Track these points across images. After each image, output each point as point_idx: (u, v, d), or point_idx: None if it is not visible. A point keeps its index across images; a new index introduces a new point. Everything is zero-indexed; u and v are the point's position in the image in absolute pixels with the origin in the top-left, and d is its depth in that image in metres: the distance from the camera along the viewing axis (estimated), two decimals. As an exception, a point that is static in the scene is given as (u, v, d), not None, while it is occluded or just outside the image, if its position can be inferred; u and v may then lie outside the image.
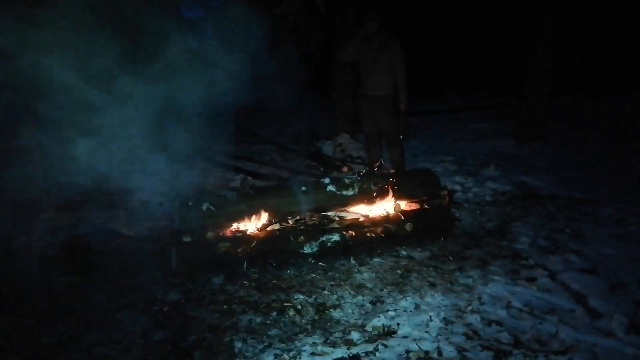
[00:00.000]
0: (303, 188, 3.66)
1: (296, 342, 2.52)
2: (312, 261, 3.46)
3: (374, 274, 3.30)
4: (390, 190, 3.90)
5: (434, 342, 2.49)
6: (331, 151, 6.52)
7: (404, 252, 3.62)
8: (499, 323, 2.67)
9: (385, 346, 2.47)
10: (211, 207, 3.44)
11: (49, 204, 4.36)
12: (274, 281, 3.20)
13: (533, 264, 3.39)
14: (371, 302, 2.93)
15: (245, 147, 6.78)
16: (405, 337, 2.56)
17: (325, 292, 3.05)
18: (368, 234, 3.70)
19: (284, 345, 2.48)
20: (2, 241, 3.70)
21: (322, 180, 3.93)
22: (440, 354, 2.39)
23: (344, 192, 3.79)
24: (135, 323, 2.68)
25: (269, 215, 3.56)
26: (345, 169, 5.50)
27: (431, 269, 3.36)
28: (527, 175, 5.54)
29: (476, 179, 5.30)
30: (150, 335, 2.58)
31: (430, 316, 2.73)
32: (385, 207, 3.89)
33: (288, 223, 3.62)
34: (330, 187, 3.75)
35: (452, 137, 7.37)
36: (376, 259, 3.51)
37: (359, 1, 6.90)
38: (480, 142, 7.03)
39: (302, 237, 3.53)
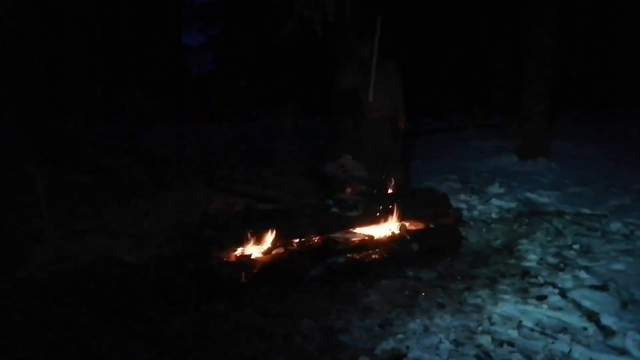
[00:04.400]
0: (306, 211, 3.64)
1: (305, 367, 2.46)
2: (318, 284, 3.41)
3: (381, 296, 3.24)
4: (396, 211, 3.88)
5: (444, 365, 2.43)
6: (334, 172, 6.51)
7: (410, 273, 3.57)
8: (510, 343, 2.61)
9: (395, 371, 2.41)
10: (214, 232, 3.41)
11: (53, 232, 4.36)
12: (279, 306, 3.15)
13: (542, 282, 3.34)
14: (379, 325, 2.87)
15: (246, 171, 6.78)
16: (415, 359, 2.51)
17: (332, 316, 3.00)
18: (374, 256, 3.67)
19: (292, 372, 2.43)
20: (4, 271, 3.68)
21: (326, 201, 3.91)
22: (452, 377, 2.34)
23: (349, 214, 3.76)
24: (141, 353, 2.63)
25: (274, 238, 3.53)
26: (349, 190, 5.47)
27: (439, 289, 3.31)
28: (532, 192, 5.51)
29: (481, 197, 5.27)
30: (156, 365, 2.53)
31: (440, 338, 2.67)
32: (390, 227, 3.86)
33: (293, 246, 3.59)
34: (335, 209, 3.72)
35: (454, 155, 7.36)
36: (383, 281, 3.45)
37: (356, 25, 6.99)
38: (483, 160, 7.02)
39: (307, 261, 3.50)
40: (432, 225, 3.93)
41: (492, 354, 2.51)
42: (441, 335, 2.69)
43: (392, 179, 5.24)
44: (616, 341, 2.61)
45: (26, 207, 4.98)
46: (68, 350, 2.64)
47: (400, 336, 2.73)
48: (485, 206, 5.01)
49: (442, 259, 3.74)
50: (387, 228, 3.86)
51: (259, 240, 3.49)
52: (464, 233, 4.19)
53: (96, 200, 5.42)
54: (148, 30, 12.73)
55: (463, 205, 4.98)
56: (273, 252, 3.51)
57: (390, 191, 4.38)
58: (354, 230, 3.79)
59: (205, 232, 3.43)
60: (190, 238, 3.45)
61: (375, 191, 4.44)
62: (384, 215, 3.87)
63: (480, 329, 2.76)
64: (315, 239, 3.65)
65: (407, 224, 3.88)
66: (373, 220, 3.83)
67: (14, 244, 4.19)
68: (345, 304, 3.16)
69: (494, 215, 4.80)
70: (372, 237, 3.77)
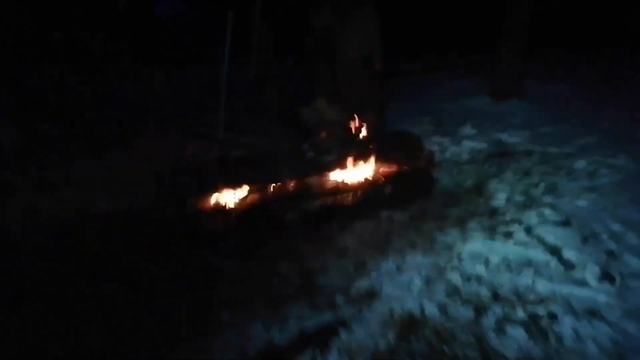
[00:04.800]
0: (282, 157, 3.65)
1: (282, 309, 2.57)
2: (294, 229, 3.48)
3: (356, 238, 3.35)
4: (370, 154, 3.92)
5: (416, 301, 2.57)
6: (308, 117, 6.47)
7: (384, 215, 3.67)
8: (478, 279, 2.76)
9: (369, 308, 2.54)
10: (189, 179, 3.41)
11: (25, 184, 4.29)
12: (258, 251, 3.22)
13: (509, 220, 3.48)
14: (354, 266, 2.99)
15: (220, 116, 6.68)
16: (387, 297, 2.64)
17: (309, 259, 3.10)
18: (348, 199, 3.74)
19: (271, 312, 2.53)
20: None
21: (302, 146, 3.92)
22: (422, 312, 2.47)
23: (324, 158, 3.79)
24: (125, 303, 2.68)
25: (249, 185, 3.55)
26: (323, 134, 5.47)
27: (411, 230, 3.43)
28: (503, 132, 5.61)
29: (453, 139, 5.35)
30: (140, 312, 2.60)
31: (412, 276, 2.80)
32: (365, 171, 3.92)
33: (268, 191, 3.63)
34: (310, 153, 3.74)
35: (429, 96, 7.37)
36: (358, 223, 3.55)
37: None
38: (457, 101, 7.06)
39: (283, 206, 3.56)
40: (405, 168, 4.00)
41: (461, 289, 2.66)
42: (413, 273, 2.82)
43: (367, 122, 5.26)
44: (577, 273, 2.78)
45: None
46: (53, 304, 2.68)
47: (373, 275, 2.85)
48: (457, 147, 5.10)
49: (414, 201, 3.84)
50: (361, 172, 3.91)
51: (234, 187, 3.51)
52: (436, 175, 4.29)
53: (67, 151, 5.30)
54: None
55: (436, 147, 5.06)
56: (248, 198, 3.54)
57: (364, 134, 4.39)
58: (329, 175, 3.84)
59: (181, 179, 3.42)
60: (165, 186, 3.44)
61: (349, 135, 4.45)
62: (359, 159, 3.91)
63: (449, 265, 2.90)
64: (291, 184, 3.68)
65: (381, 167, 3.94)
66: (348, 164, 3.86)
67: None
68: (322, 246, 3.25)
69: (465, 157, 4.91)
70: (347, 181, 3.83)
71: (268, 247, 3.27)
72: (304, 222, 3.52)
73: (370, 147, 3.96)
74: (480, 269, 2.85)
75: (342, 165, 3.87)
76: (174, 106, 7.47)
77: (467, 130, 5.59)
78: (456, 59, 10.19)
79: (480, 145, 5.16)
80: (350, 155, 3.90)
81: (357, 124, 5.07)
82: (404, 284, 2.75)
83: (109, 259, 3.16)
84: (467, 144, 5.15)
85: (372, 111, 5.09)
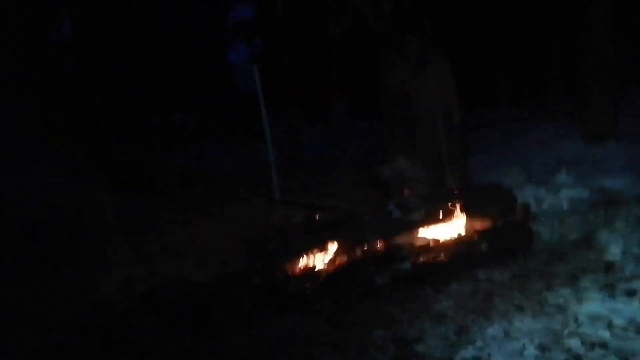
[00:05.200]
0: (366, 218, 3.57)
1: (383, 380, 2.38)
2: (385, 292, 3.32)
3: (453, 301, 3.11)
4: (460, 210, 3.74)
5: (532, 372, 2.28)
6: (389, 176, 6.39)
7: (482, 275, 3.40)
8: (603, 345, 2.41)
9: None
10: (277, 245, 3.41)
11: (124, 256, 4.53)
12: (348, 317, 3.08)
13: (629, 276, 3.08)
14: (455, 333, 2.74)
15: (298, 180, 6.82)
16: (498, 368, 2.36)
17: (404, 325, 2.90)
18: (441, 259, 3.54)
19: (370, 385, 2.35)
20: (82, 295, 3.85)
21: (387, 206, 3.83)
22: (542, 385, 2.18)
23: (411, 217, 3.66)
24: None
25: (337, 247, 3.48)
26: (407, 192, 5.34)
27: (515, 290, 3.13)
28: (604, 178, 5.15)
29: (549, 188, 4.98)
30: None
31: (524, 343, 2.51)
32: (456, 228, 3.72)
33: (356, 254, 3.53)
34: (397, 212, 3.63)
35: (514, 147, 7.04)
36: (453, 285, 3.31)
37: (402, 23, 6.86)
38: (546, 147, 6.67)
39: (372, 268, 3.43)
40: (500, 223, 3.74)
41: (584, 358, 2.32)
42: (524, 340, 2.53)
43: (452, 177, 5.08)
44: None
45: (94, 232, 5.23)
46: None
47: (479, 343, 2.59)
48: (555, 198, 4.72)
49: (514, 258, 3.55)
50: (452, 229, 3.72)
51: (322, 251, 3.45)
52: (535, 229, 3.96)
53: (160, 222, 5.60)
54: (195, 52, 13.12)
55: (530, 199, 4.71)
56: (337, 261, 3.46)
57: (451, 190, 4.21)
58: (418, 234, 3.67)
59: (268, 245, 3.43)
60: (253, 253, 3.46)
61: (434, 191, 4.29)
62: (448, 216, 3.73)
63: (566, 331, 2.57)
64: (379, 246, 3.56)
65: (473, 223, 3.72)
66: (437, 221, 3.70)
67: (86, 269, 4.39)
68: (416, 311, 3.04)
69: (565, 207, 4.52)
70: (438, 239, 3.64)
71: (358, 312, 3.12)
72: (395, 285, 3.36)
73: (460, 202, 3.76)
74: (603, 334, 2.50)
75: (431, 223, 3.70)
76: (256, 176, 7.78)
77: (563, 177, 5.19)
78: (536, 106, 9.80)
79: (580, 194, 4.74)
80: (438, 212, 3.73)
81: (440, 180, 4.93)
82: (515, 352, 2.46)
83: (201, 325, 3.17)
84: (566, 193, 4.76)
85: (455, 165, 4.92)
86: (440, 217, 3.73)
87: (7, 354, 2.92)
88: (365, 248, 3.54)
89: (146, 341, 3.03)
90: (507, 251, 3.59)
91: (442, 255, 3.55)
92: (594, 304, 2.80)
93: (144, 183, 6.80)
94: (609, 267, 3.26)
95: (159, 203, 6.29)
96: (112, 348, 2.97)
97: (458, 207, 3.75)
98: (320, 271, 3.38)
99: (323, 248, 3.47)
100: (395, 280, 3.38)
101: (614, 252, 3.47)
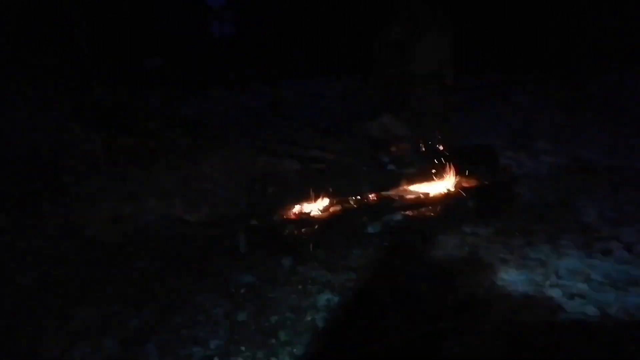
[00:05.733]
0: (364, 168, 3.65)
1: (380, 320, 2.53)
2: (377, 241, 3.45)
3: (441, 251, 3.28)
4: (450, 168, 3.86)
5: (518, 315, 2.47)
6: (375, 132, 6.46)
7: (467, 230, 3.58)
8: (581, 296, 2.63)
9: (468, 321, 2.46)
10: (278, 188, 3.47)
11: (109, 193, 4.50)
12: (343, 262, 3.21)
13: (605, 237, 3.31)
14: (446, 279, 2.91)
15: (286, 133, 6.80)
16: (487, 310, 2.55)
17: (397, 271, 3.05)
18: (430, 213, 3.69)
19: (369, 323, 2.50)
20: (73, 231, 3.83)
21: (381, 159, 3.91)
22: (527, 326, 2.37)
23: (405, 171, 3.76)
24: (216, 305, 2.73)
25: (331, 196, 3.56)
26: (393, 148, 5.44)
27: (499, 245, 3.32)
28: (582, 147, 5.38)
29: (529, 154, 5.18)
30: (233, 316, 2.63)
31: (509, 291, 2.70)
32: (445, 184, 3.85)
33: (350, 204, 3.63)
34: (390, 166, 3.73)
35: (496, 112, 7.20)
36: (441, 237, 3.48)
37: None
38: (526, 116, 6.86)
39: (365, 218, 3.54)
40: (485, 182, 3.90)
41: (565, 306, 2.53)
42: (510, 289, 2.72)
43: (439, 137, 5.20)
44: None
45: (76, 169, 5.14)
46: (146, 302, 2.76)
47: (467, 289, 2.77)
48: (535, 163, 4.93)
49: (497, 216, 3.73)
50: (441, 185, 3.85)
51: (317, 199, 3.53)
52: (516, 190, 4.15)
53: (144, 163, 5.53)
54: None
55: (512, 162, 4.90)
56: (331, 209, 3.56)
57: (439, 149, 4.32)
58: (409, 188, 3.80)
59: (266, 189, 3.47)
60: (251, 196, 3.51)
61: (421, 149, 4.39)
62: (438, 173, 3.85)
63: (547, 282, 2.78)
64: (372, 196, 3.66)
65: (460, 181, 3.86)
66: (427, 177, 3.81)
67: (70, 205, 4.34)
68: (408, 259, 3.20)
69: (544, 172, 4.73)
70: (427, 194, 3.77)
71: (353, 258, 3.25)
72: (386, 234, 3.49)
73: (448, 160, 3.88)
74: (582, 287, 2.72)
75: (422, 179, 3.82)
76: (239, 123, 7.70)
77: (543, 144, 5.40)
78: (519, 75, 9.90)
79: (559, 160, 4.97)
80: (429, 169, 3.85)
81: (427, 139, 5.04)
82: (502, 297, 2.65)
83: (196, 263, 3.24)
84: (545, 159, 4.97)
85: (442, 125, 5.03)
86: (431, 174, 3.84)
87: (3, 293, 2.91)
88: (358, 198, 3.64)
89: (144, 276, 3.08)
90: (491, 209, 3.77)
91: (431, 209, 3.69)
92: (572, 260, 3.02)
93: (125, 124, 6.64)
94: (585, 228, 3.49)
95: (141, 144, 6.20)
96: (109, 283, 3.01)
97: (447, 165, 3.87)
98: (315, 218, 3.47)
99: (318, 196, 3.55)
100: (386, 230, 3.52)
101: (590, 214, 3.70)
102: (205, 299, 2.78)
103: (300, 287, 2.90)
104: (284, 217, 3.47)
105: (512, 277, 2.87)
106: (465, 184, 3.89)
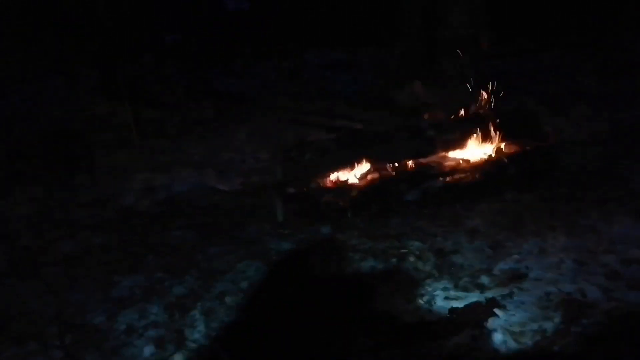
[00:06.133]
0: (401, 134, 3.55)
1: (426, 287, 2.47)
2: (417, 208, 3.37)
3: (484, 219, 3.18)
4: (488, 133, 3.73)
5: (572, 283, 2.38)
6: (404, 100, 6.30)
7: (510, 196, 3.46)
8: (638, 262, 2.51)
9: (521, 289, 2.38)
10: (313, 157, 3.39)
11: (142, 165, 4.49)
12: (382, 229, 3.14)
13: (657, 203, 3.16)
14: (490, 247, 2.82)
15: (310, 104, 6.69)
16: (538, 279, 2.46)
17: (439, 238, 2.97)
18: (470, 179, 3.57)
19: (415, 290, 2.44)
20: (107, 201, 3.84)
21: (419, 125, 3.80)
22: (584, 295, 2.28)
23: (442, 137, 3.65)
24: (258, 272, 2.70)
25: (369, 163, 3.47)
26: (426, 116, 5.30)
27: (545, 212, 3.20)
28: (622, 112, 5.16)
29: (569, 119, 4.98)
30: (276, 283, 2.60)
31: (561, 258, 2.60)
32: (484, 150, 3.73)
33: (387, 171, 3.53)
34: (430, 132, 3.61)
35: (531, 77, 6.94)
36: (482, 204, 3.37)
37: None
38: (563, 81, 6.60)
39: (404, 185, 3.45)
40: (527, 148, 3.75)
41: (622, 273, 2.43)
42: (561, 255, 2.63)
43: (475, 103, 5.03)
44: None
45: (103, 143, 5.15)
46: (188, 270, 2.75)
47: (515, 257, 2.68)
48: (575, 128, 4.74)
49: (541, 182, 3.60)
50: (480, 151, 3.72)
51: (355, 166, 3.45)
52: (560, 156, 3.98)
53: (172, 135, 5.52)
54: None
55: (551, 127, 4.71)
56: (368, 177, 3.47)
57: (476, 114, 4.16)
58: (449, 154, 3.68)
59: (298, 158, 3.40)
60: (280, 165, 3.44)
61: (457, 115, 4.24)
62: (477, 138, 3.72)
63: (601, 249, 2.67)
64: (410, 163, 3.56)
65: (501, 147, 3.73)
66: (465, 143, 3.69)
67: (106, 177, 4.35)
68: (449, 226, 3.11)
69: (585, 138, 4.55)
70: (467, 160, 3.65)
71: (392, 226, 3.18)
72: (426, 202, 3.40)
73: (489, 125, 3.74)
74: (637, 252, 2.60)
75: (461, 144, 3.70)
76: (262, 95, 7.60)
77: (582, 109, 5.18)
78: (553, 40, 9.50)
79: (600, 125, 4.77)
80: (468, 134, 3.72)
81: (460, 106, 4.87)
82: (553, 265, 2.56)
83: (234, 230, 3.21)
84: (586, 124, 4.77)
85: (481, 90, 4.85)
86: (469, 139, 3.71)
87: (46, 261, 2.93)
88: (397, 165, 3.54)
89: (183, 244, 3.06)
90: (534, 175, 3.63)
91: (471, 175, 3.57)
92: (623, 227, 2.89)
93: (151, 97, 6.62)
94: (633, 194, 3.34)
95: (167, 116, 6.18)
96: (149, 251, 3.00)
97: (485, 130, 3.73)
98: (352, 185, 3.40)
99: (355, 163, 3.46)
100: (425, 197, 3.42)
101: (637, 180, 3.54)
102: (246, 266, 2.75)
103: (341, 254, 2.85)
104: (321, 185, 3.40)
105: (561, 244, 2.76)
106: (505, 150, 3.75)
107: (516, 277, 2.50)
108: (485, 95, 4.92)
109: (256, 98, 7.31)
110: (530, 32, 9.33)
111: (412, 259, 2.73)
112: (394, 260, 2.74)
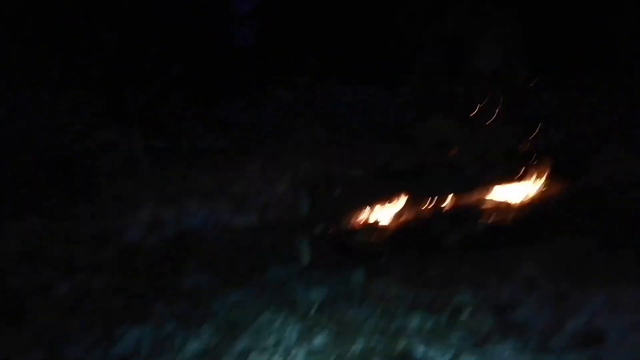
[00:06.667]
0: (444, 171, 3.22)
1: (490, 348, 2.07)
2: (458, 252, 2.99)
3: (539, 267, 2.80)
4: (534, 170, 3.41)
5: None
6: (423, 135, 6.03)
7: (561, 241, 3.09)
8: None
9: (598, 355, 1.99)
10: (343, 192, 3.05)
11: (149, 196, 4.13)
12: (423, 276, 2.76)
13: None
14: (554, 300, 2.44)
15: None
16: (620, 342, 2.07)
17: (491, 288, 2.59)
18: (514, 222, 3.22)
19: (479, 350, 2.04)
20: (110, 237, 3.46)
21: (453, 161, 3.48)
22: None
23: (485, 174, 3.32)
24: (285, 325, 2.30)
25: (405, 200, 3.13)
26: (453, 152, 4.99)
27: (606, 258, 2.82)
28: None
29: (619, 156, 4.60)
30: (309, 340, 2.19)
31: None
32: (529, 188, 3.40)
33: (424, 210, 3.19)
34: (472, 167, 3.29)
35: (574, 112, 6.60)
36: (532, 249, 2.99)
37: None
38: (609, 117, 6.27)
39: (442, 226, 3.10)
40: (576, 188, 3.43)
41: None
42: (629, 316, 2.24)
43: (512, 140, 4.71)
44: None
45: (110, 170, 4.82)
46: (204, 321, 2.35)
47: (587, 312, 2.29)
48: (627, 166, 4.37)
49: (593, 225, 3.24)
50: (525, 190, 3.40)
51: (389, 203, 3.11)
52: (611, 197, 3.64)
53: (181, 164, 5.20)
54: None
55: (602, 162, 4.33)
56: (403, 216, 3.12)
57: (525, 150, 3.84)
58: (490, 193, 3.35)
59: (332, 192, 3.06)
60: (313, 200, 3.09)
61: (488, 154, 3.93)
62: (521, 176, 3.40)
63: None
64: (448, 202, 3.22)
65: (548, 186, 3.40)
66: (511, 181, 3.37)
67: (109, 209, 4.00)
68: (500, 275, 2.73)
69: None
70: (510, 200, 3.32)
71: (433, 272, 2.80)
72: (467, 245, 3.03)
73: (532, 162, 3.43)
74: None
75: (504, 183, 3.37)
76: (272, 126, 7.33)
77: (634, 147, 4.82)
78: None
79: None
80: (511, 171, 3.39)
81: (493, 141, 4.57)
82: (635, 324, 2.17)
83: (255, 274, 2.83)
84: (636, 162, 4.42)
85: (521, 127, 4.54)
86: (513, 177, 3.39)
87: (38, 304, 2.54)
88: (434, 203, 3.20)
89: (197, 289, 2.67)
90: (586, 217, 3.28)
91: (515, 216, 3.23)
92: None
93: (158, 125, 6.35)
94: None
95: (175, 145, 5.89)
96: (157, 297, 2.61)
97: (530, 167, 3.42)
98: (385, 225, 3.04)
99: (388, 201, 3.12)
100: (467, 239, 3.06)
101: None
102: (271, 319, 2.35)
103: (381, 306, 2.45)
104: (351, 224, 3.05)
105: (638, 298, 2.38)
106: (551, 190, 3.43)
107: (592, 339, 2.11)
108: (526, 132, 4.62)
109: (268, 127, 7.06)
110: (573, 64, 9.02)
111: (465, 315, 2.34)
112: (445, 314, 2.34)
